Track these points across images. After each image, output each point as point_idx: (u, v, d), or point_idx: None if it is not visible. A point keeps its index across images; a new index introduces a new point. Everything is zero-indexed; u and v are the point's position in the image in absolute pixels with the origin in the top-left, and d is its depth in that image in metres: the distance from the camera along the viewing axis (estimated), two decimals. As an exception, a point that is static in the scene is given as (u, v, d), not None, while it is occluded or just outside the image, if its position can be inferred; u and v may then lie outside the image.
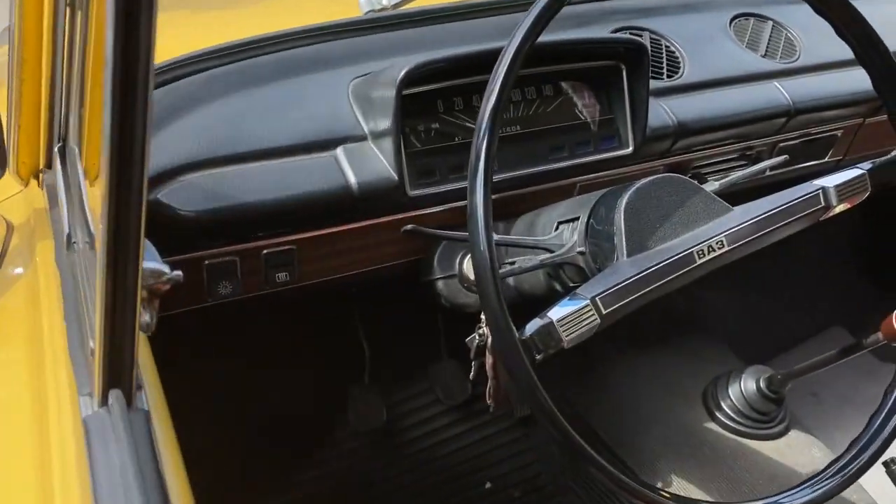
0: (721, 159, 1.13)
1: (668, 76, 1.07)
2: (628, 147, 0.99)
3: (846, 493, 1.16)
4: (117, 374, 0.43)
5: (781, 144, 1.16)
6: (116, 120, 0.35)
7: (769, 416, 1.24)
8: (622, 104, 0.98)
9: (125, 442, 0.42)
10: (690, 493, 1.18)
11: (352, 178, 0.85)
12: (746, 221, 0.72)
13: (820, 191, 0.76)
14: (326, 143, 0.87)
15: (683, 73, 1.08)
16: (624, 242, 0.71)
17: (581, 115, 0.98)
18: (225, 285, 0.85)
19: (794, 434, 1.24)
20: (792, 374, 1.17)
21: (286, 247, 0.86)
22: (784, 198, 0.75)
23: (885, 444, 0.77)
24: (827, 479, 0.76)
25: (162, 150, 0.79)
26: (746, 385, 1.23)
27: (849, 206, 0.78)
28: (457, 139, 0.93)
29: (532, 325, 0.63)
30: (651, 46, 1.08)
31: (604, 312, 0.65)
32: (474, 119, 0.92)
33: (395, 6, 1.07)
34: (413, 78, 0.84)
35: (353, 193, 0.85)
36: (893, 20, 1.26)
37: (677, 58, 1.09)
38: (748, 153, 1.13)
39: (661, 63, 1.07)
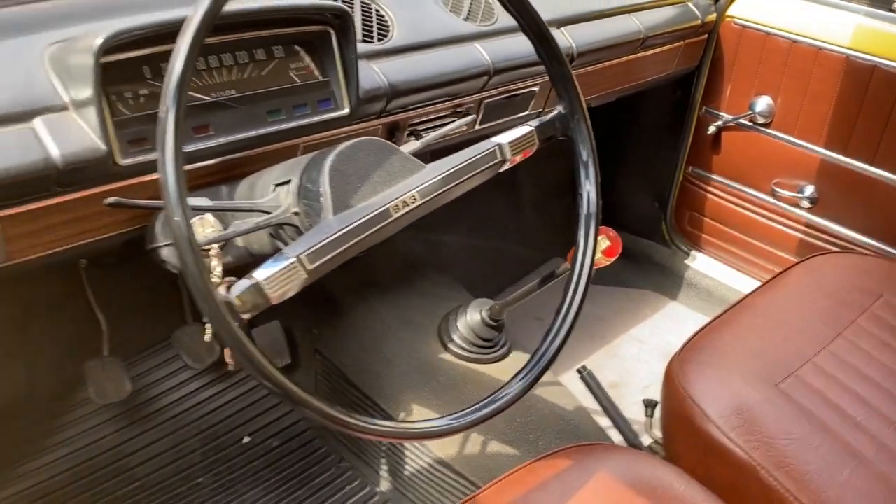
0: (434, 116, 1.23)
1: (379, 39, 1.14)
2: (345, 109, 1.05)
3: (552, 396, 1.37)
4: None
5: (487, 101, 1.30)
6: None
7: (493, 341, 1.40)
8: (335, 68, 1.04)
9: None
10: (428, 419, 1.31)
11: (54, 150, 0.82)
12: (435, 177, 0.82)
13: (497, 147, 0.88)
14: (22, 115, 0.83)
15: (393, 36, 1.15)
16: (330, 202, 0.78)
17: (296, 79, 1.02)
18: (-83, 272, 0.79)
19: (515, 355, 1.42)
20: (507, 303, 1.34)
21: (-13, 225, 0.82)
22: (468, 154, 0.86)
23: (560, 347, 0.92)
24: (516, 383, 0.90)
25: None
26: (472, 317, 1.39)
27: (524, 157, 0.91)
28: (169, 106, 0.92)
29: (238, 287, 0.67)
30: (361, 11, 1.14)
31: (309, 268, 0.71)
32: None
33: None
34: (112, 46, 0.82)
35: (56, 166, 0.82)
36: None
37: (387, 22, 1.16)
38: (458, 110, 1.25)
39: (372, 27, 1.14)
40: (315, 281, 0.72)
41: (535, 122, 0.91)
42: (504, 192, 2.03)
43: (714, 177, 1.88)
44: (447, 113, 1.25)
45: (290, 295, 0.70)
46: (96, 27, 0.90)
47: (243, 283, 0.67)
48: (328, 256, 0.72)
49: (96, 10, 0.97)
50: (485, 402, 0.87)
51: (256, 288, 0.67)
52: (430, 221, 1.99)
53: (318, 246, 0.72)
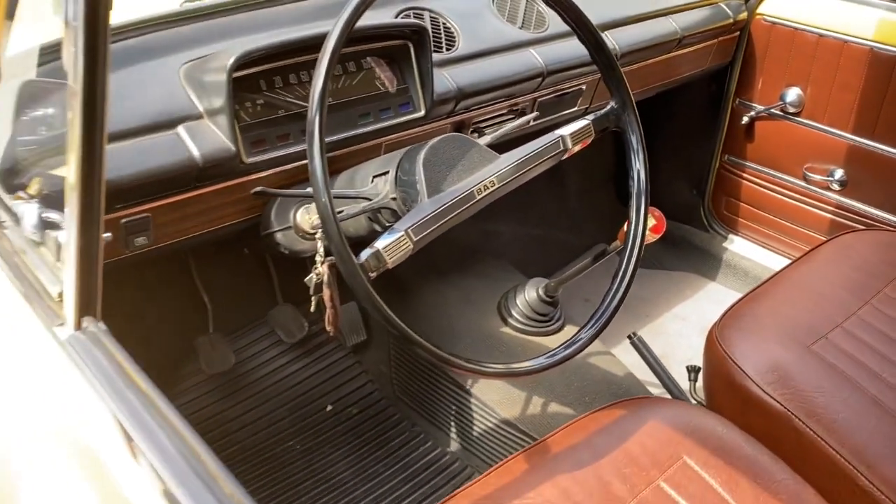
0: (495, 115, 1.39)
1: (447, 49, 1.30)
2: (421, 111, 1.22)
3: (603, 363, 1.52)
4: (87, 305, 0.59)
5: (540, 99, 1.45)
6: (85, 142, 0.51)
7: (548, 316, 1.56)
8: (413, 75, 1.20)
9: (106, 350, 0.58)
10: (492, 384, 1.48)
11: (195, 152, 1.00)
12: (510, 164, 0.98)
13: (560, 138, 1.03)
14: (168, 123, 1.01)
15: (459, 46, 1.32)
16: (424, 188, 0.94)
17: (381, 87, 1.19)
18: (91, 253, 0.97)
19: (568, 328, 1.57)
20: (562, 280, 1.49)
21: (142, 215, 1.00)
22: (536, 144, 1.02)
23: (621, 301, 1.08)
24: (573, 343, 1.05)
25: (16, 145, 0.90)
26: (529, 294, 1.54)
27: (582, 146, 1.06)
28: (280, 112, 1.10)
29: (365, 253, 0.84)
30: (431, 25, 1.31)
31: (415, 239, 0.88)
32: (293, 95, 1.11)
33: (209, -5, 1.21)
34: (241, 63, 1.00)
35: (197, 164, 1.00)
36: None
37: (453, 34, 1.33)
38: (515, 108, 1.41)
39: (441, 39, 1.30)
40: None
41: (591, 117, 1.07)
42: (550, 184, 2.18)
43: (748, 164, 2.00)
44: (505, 111, 1.41)
45: (400, 261, 0.87)
46: (219, 48, 1.09)
47: (368, 251, 0.84)
48: (428, 230, 0.89)
49: (213, 34, 1.15)
50: (566, 344, 1.03)
51: (378, 254, 0.85)
52: (485, 213, 2.16)
53: (420, 222, 0.89)
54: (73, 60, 0.56)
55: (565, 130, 1.04)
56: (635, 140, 1.07)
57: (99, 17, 0.55)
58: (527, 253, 2.07)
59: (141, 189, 0.98)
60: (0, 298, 0.74)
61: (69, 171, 0.57)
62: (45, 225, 0.74)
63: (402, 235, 0.87)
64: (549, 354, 1.01)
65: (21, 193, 0.82)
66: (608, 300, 1.08)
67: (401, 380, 1.64)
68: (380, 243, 0.85)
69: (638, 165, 1.08)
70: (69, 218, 0.57)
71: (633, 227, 1.10)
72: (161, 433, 0.59)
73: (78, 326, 0.62)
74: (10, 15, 0.80)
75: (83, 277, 0.59)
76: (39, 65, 0.95)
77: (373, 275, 0.84)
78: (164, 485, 0.60)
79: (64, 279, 0.61)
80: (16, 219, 0.77)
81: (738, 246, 2.11)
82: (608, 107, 1.08)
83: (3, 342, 0.73)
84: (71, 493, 0.67)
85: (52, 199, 0.80)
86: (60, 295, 0.64)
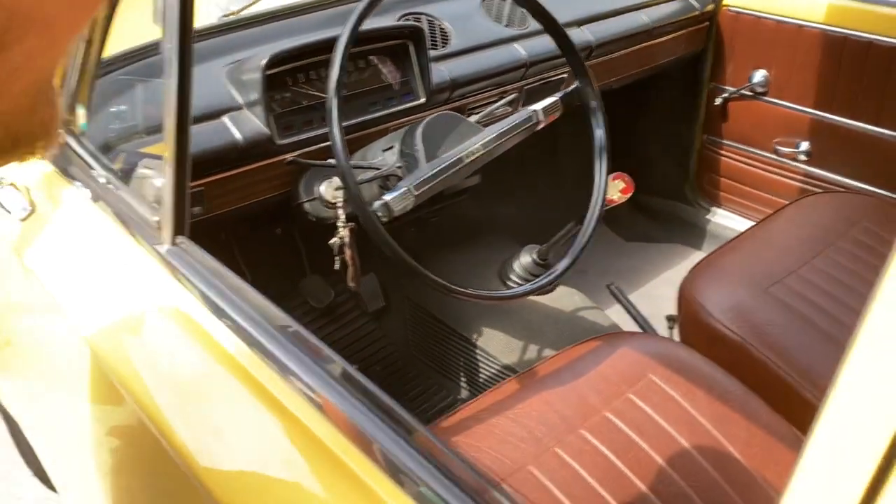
0: (486, 101, 1.61)
1: (442, 46, 1.53)
2: (421, 99, 1.45)
3: (590, 315, 1.74)
4: (180, 227, 0.82)
5: (526, 87, 1.67)
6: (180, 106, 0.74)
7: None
8: (413, 69, 1.43)
9: (197, 258, 0.81)
10: (496, 336, 1.70)
11: (238, 136, 1.23)
12: (492, 134, 1.21)
13: (533, 112, 1.26)
14: (216, 114, 1.25)
15: (452, 43, 1.55)
16: (423, 155, 1.17)
17: (386, 79, 1.43)
18: (157, 221, 1.21)
19: (561, 289, 1.79)
20: (551, 245, 1.70)
21: (198, 188, 1.23)
22: (514, 118, 1.24)
23: (590, 237, 1.29)
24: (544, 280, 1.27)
25: (108, 129, 1.14)
26: (524, 259, 1.75)
27: (552, 119, 1.29)
28: (304, 102, 1.33)
29: (377, 203, 1.07)
30: (427, 26, 1.54)
31: (415, 193, 1.10)
32: (315, 88, 1.34)
33: (241, 10, 1.45)
34: (272, 63, 1.24)
35: (240, 146, 1.23)
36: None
37: (447, 33, 1.56)
38: (504, 95, 1.63)
39: (437, 37, 1.53)
40: (419, 203, 1.11)
41: (559, 94, 1.29)
42: (549, 168, 2.40)
43: (726, 142, 2.21)
44: (496, 98, 1.64)
45: (406, 210, 1.09)
46: (253, 52, 1.33)
47: (378, 202, 1.07)
48: (426, 186, 1.12)
49: (248, 41, 1.39)
50: (545, 276, 1.25)
51: (386, 204, 1.07)
52: (490, 195, 2.39)
53: (420, 180, 1.11)
54: (168, 57, 0.79)
55: (538, 105, 1.26)
56: (595, 107, 1.29)
57: (187, 27, 0.77)
58: (527, 229, 2.28)
59: (197, 167, 1.20)
60: (112, 234, 0.99)
61: (166, 132, 0.80)
62: (143, 178, 0.98)
63: (406, 190, 1.10)
64: (532, 283, 1.23)
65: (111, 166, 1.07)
66: (579, 238, 1.30)
67: (416, 340, 1.86)
68: (388, 196, 1.08)
69: (599, 131, 1.30)
70: (168, 165, 0.80)
71: (596, 180, 1.32)
72: (236, 298, 0.81)
73: (173, 243, 0.86)
74: (104, 37, 1.03)
75: (178, 205, 0.82)
76: (119, 68, 1.20)
77: (385, 219, 1.07)
78: (247, 339, 0.81)
79: (161, 210, 0.84)
80: (118, 177, 1.02)
81: (720, 218, 2.32)
82: (574, 85, 1.31)
83: (115, 259, 0.97)
84: (172, 341, 0.90)
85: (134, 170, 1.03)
86: (158, 223, 0.87)
